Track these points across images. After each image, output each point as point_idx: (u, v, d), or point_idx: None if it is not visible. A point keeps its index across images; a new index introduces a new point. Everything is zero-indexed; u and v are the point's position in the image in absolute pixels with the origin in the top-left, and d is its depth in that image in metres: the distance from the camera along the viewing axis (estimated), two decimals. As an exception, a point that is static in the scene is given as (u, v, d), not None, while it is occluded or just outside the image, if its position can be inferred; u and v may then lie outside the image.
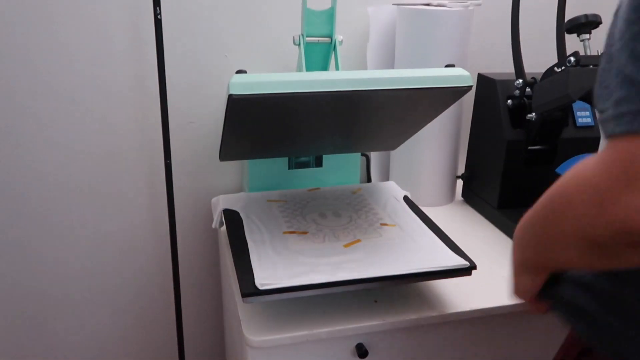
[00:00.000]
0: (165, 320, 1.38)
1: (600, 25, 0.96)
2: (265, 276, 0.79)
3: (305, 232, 0.94)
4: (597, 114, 0.47)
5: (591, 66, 0.94)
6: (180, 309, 1.27)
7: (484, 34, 1.34)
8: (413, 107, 0.91)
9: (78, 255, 1.26)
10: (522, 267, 0.60)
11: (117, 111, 1.18)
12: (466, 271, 0.85)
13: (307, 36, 1.01)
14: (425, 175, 1.25)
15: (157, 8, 1.05)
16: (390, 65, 1.26)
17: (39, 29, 1.09)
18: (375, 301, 0.89)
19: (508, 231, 1.12)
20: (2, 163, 1.15)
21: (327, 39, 1.03)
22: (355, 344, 0.84)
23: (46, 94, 1.13)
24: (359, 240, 0.91)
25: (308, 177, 1.15)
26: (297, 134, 0.97)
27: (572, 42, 0.99)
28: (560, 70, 0.97)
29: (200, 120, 1.23)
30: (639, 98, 0.41)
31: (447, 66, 0.86)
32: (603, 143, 0.50)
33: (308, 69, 1.04)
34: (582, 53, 0.94)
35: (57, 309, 1.29)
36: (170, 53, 1.15)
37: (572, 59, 0.94)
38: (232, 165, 1.29)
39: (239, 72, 0.77)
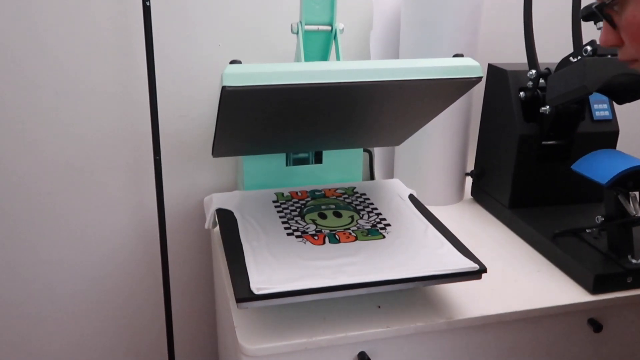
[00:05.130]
0: (155, 326, 1.38)
1: (619, 12, 0.95)
2: (261, 280, 0.79)
3: (304, 233, 0.94)
4: None
5: (609, 56, 0.94)
6: (170, 315, 1.27)
7: (494, 21, 1.34)
8: (419, 99, 0.91)
9: (62, 258, 1.26)
10: None
11: (103, 104, 1.18)
12: (476, 274, 0.85)
13: (306, 24, 1.01)
14: (432, 173, 1.25)
15: (146, -6, 1.05)
16: (395, 55, 1.26)
17: (21, 19, 1.08)
18: (379, 306, 0.89)
19: (520, 231, 1.12)
20: (-19, 159, 1.15)
21: (327, 27, 1.03)
22: (357, 352, 0.84)
23: (27, 86, 1.13)
24: (361, 242, 0.91)
25: (307, 175, 1.15)
26: (295, 129, 0.97)
27: (589, 31, 0.99)
28: (576, 60, 0.97)
29: (192, 113, 1.23)
30: None
31: (455, 56, 0.86)
32: None
33: (307, 59, 1.04)
34: (599, 42, 0.94)
35: (40, 315, 1.29)
36: (160, 42, 1.15)
37: (588, 48, 0.94)
38: (226, 162, 1.29)
39: (233, 62, 0.77)
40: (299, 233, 0.94)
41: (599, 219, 0.99)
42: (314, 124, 0.95)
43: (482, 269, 0.85)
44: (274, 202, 1.05)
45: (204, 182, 1.29)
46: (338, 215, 1.01)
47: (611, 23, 0.66)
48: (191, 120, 1.23)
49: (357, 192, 1.11)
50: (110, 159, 1.22)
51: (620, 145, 1.15)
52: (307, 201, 1.06)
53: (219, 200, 1.05)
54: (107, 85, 1.17)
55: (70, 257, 1.27)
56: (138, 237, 1.29)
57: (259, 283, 0.78)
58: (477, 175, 1.27)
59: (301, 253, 0.87)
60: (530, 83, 1.10)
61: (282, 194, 1.09)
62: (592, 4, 0.95)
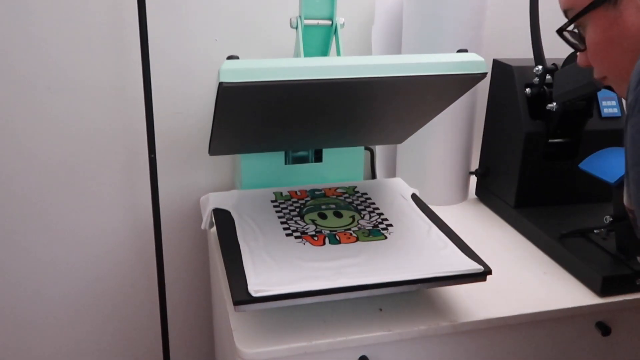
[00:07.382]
0: (151, 329, 1.38)
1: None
2: (260, 282, 0.79)
3: (303, 234, 0.94)
4: None
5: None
6: (166, 318, 1.27)
7: (500, 16, 1.33)
8: (422, 96, 0.91)
9: (53, 259, 1.26)
10: None
11: (96, 101, 1.18)
12: (480, 276, 0.85)
13: (305, 18, 1.01)
14: (435, 171, 1.24)
15: (140, -13, 1.05)
16: (397, 50, 1.26)
17: (11, 13, 1.08)
18: (381, 309, 0.89)
19: (526, 232, 1.12)
20: (-29, 158, 1.15)
21: (327, 22, 1.02)
22: (358, 356, 0.84)
23: (18, 82, 1.12)
24: (362, 243, 0.91)
25: (306, 174, 1.15)
26: (295, 126, 0.97)
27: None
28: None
29: (188, 110, 1.23)
30: None
31: (459, 51, 0.86)
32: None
33: (306, 55, 1.04)
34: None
35: (32, 317, 1.29)
36: (155, 37, 1.15)
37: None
38: (223, 160, 1.28)
39: (230, 57, 0.77)
40: (298, 234, 0.94)
41: (607, 219, 0.99)
42: (314, 121, 0.95)
43: (487, 271, 0.85)
44: (272, 201, 1.05)
45: (201, 181, 1.29)
46: (338, 215, 1.01)
47: (575, 46, 0.68)
48: (187, 117, 1.23)
49: (358, 192, 1.10)
50: (103, 158, 1.21)
51: (629, 143, 1.15)
52: (306, 201, 1.06)
53: (215, 200, 1.04)
54: (100, 81, 1.16)
55: (62, 258, 1.26)
56: (132, 238, 1.29)
57: (257, 285, 0.78)
58: (482, 174, 1.27)
59: (300, 254, 0.87)
60: (536, 79, 1.10)
61: (281, 193, 1.09)
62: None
